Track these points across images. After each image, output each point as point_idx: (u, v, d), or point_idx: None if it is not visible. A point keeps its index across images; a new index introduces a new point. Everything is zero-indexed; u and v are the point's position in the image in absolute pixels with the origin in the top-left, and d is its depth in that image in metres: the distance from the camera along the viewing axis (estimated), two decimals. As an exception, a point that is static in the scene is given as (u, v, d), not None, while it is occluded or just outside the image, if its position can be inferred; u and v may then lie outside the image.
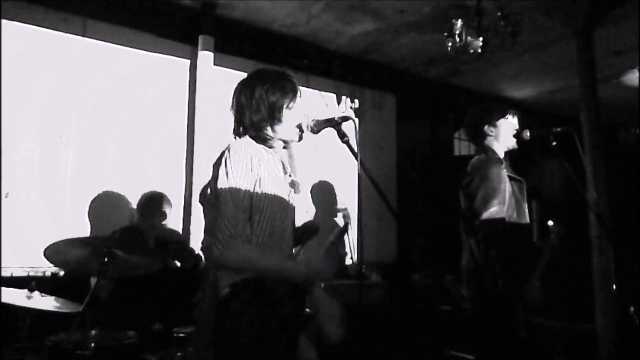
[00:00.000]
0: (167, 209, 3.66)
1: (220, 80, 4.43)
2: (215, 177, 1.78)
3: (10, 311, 2.37)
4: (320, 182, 5.00)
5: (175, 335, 2.86)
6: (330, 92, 5.40)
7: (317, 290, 1.91)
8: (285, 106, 1.87)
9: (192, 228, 4.19)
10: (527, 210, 2.75)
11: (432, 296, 4.70)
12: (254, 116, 1.85)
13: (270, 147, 1.90)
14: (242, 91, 1.90)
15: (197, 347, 1.77)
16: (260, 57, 4.65)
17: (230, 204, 1.72)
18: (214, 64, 4.40)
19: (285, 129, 1.89)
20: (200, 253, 3.39)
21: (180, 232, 4.23)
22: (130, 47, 4.19)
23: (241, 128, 1.90)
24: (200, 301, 1.83)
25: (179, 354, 2.62)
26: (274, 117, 1.85)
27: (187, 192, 4.30)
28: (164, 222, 3.65)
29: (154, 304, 3.30)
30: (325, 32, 4.91)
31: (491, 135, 2.76)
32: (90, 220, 3.84)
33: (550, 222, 2.65)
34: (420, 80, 6.07)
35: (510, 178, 2.70)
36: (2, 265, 3.41)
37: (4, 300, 2.32)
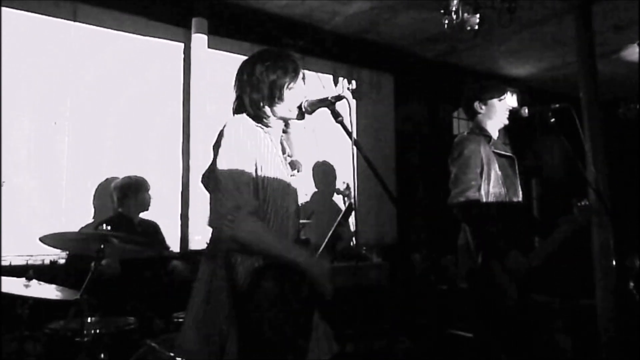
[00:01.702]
0: (148, 193, 3.63)
1: (215, 63, 4.40)
2: (215, 156, 1.77)
3: (8, 300, 2.36)
4: (322, 162, 4.98)
5: (175, 320, 2.87)
6: (327, 73, 5.33)
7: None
8: (285, 86, 1.85)
9: (190, 212, 4.19)
10: (519, 187, 2.73)
11: (431, 276, 4.70)
12: (254, 95, 1.84)
13: (268, 126, 1.87)
14: (244, 69, 1.89)
15: (201, 333, 1.74)
16: (255, 38, 4.59)
17: (230, 179, 1.71)
18: (208, 47, 4.35)
19: (285, 108, 1.87)
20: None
21: (179, 216, 4.23)
22: (122, 31, 4.13)
23: (241, 107, 1.89)
24: (198, 287, 1.81)
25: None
26: (273, 95, 1.83)
27: (184, 176, 4.29)
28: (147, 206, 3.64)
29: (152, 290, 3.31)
30: (320, 12, 4.84)
31: (481, 112, 2.73)
32: (94, 205, 3.84)
33: (585, 202, 2.59)
34: (418, 60, 6.01)
35: (499, 155, 2.68)
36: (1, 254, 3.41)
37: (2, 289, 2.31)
